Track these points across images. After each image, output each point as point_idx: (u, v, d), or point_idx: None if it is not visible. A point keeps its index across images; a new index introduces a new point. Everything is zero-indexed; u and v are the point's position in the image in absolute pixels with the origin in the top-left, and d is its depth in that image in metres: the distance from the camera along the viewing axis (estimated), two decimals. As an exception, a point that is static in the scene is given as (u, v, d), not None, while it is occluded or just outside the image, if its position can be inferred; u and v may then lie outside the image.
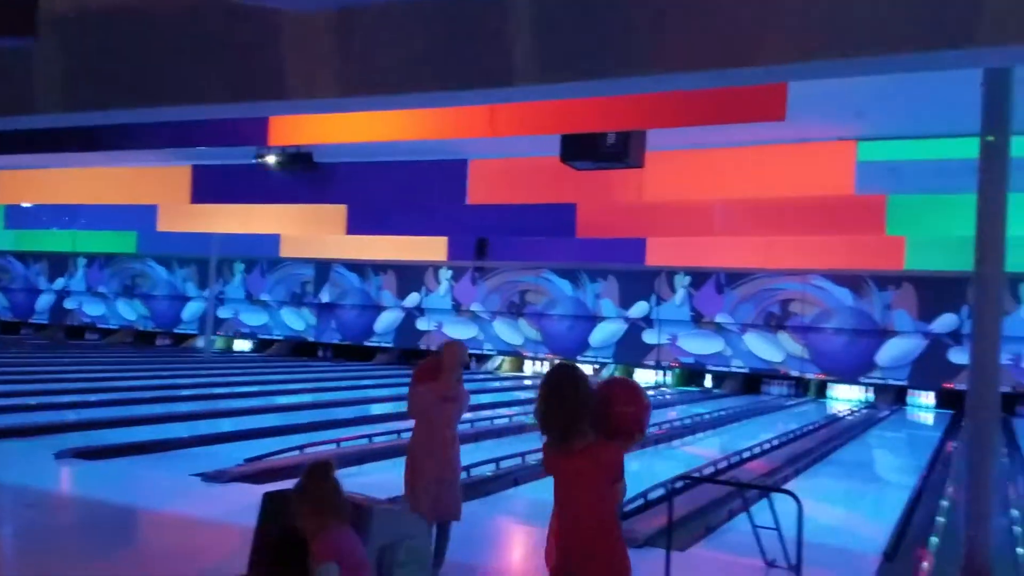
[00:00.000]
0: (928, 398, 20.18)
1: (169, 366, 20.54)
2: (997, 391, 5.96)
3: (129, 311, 29.49)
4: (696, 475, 7.99)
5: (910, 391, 20.36)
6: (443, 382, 5.03)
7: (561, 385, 3.11)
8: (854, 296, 20.54)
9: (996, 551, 5.89)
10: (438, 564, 4.95)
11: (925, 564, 5.97)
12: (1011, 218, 5.87)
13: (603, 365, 23.71)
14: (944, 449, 12.90)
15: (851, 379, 20.76)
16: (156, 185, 12.00)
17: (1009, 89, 5.75)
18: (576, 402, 3.06)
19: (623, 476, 3.14)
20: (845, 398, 20.82)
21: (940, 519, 7.45)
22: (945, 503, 8.10)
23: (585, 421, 3.06)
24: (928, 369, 19.79)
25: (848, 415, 17.88)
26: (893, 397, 20.33)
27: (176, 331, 28.78)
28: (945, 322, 19.66)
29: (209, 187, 11.38)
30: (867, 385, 20.69)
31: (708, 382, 22.20)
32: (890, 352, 20.23)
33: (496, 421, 12.42)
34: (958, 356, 18.86)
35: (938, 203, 10.44)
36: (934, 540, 6.66)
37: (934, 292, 19.49)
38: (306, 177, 10.55)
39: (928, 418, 18.81)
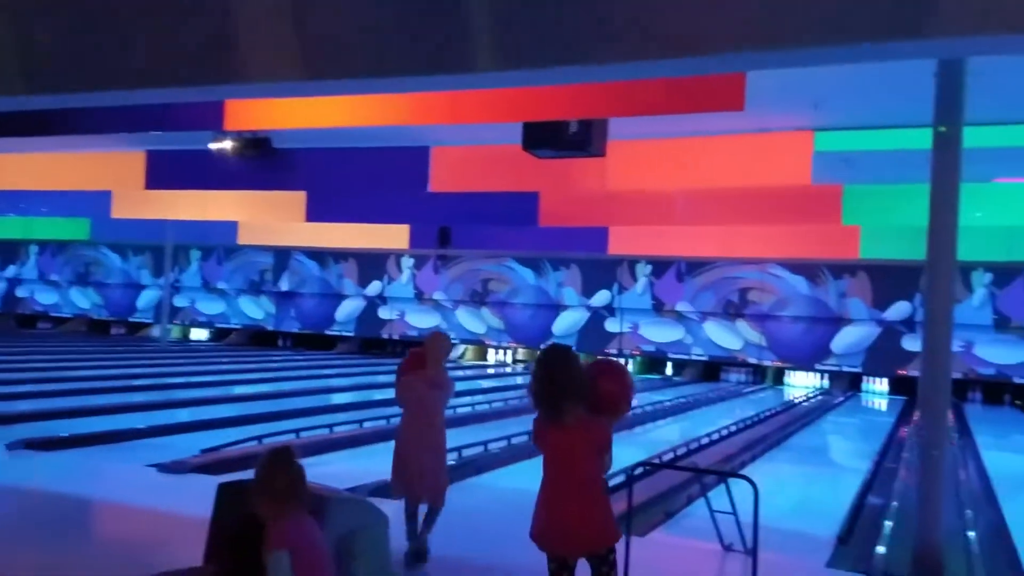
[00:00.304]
0: (882, 384, 20.61)
1: (124, 355, 20.19)
2: (949, 377, 6.09)
3: (83, 299, 28.92)
4: (656, 461, 8.07)
5: (864, 378, 20.78)
6: (430, 370, 5.24)
7: (553, 364, 3.41)
8: (810, 285, 20.87)
9: (947, 534, 6.04)
10: (422, 552, 5.11)
11: (878, 547, 6.10)
12: (963, 207, 6.00)
13: (565, 353, 23.79)
14: (897, 434, 13.19)
15: (807, 366, 21.13)
16: (110, 171, 11.75)
17: (962, 80, 5.86)
18: (566, 380, 3.36)
19: (610, 448, 3.44)
20: (801, 385, 21.18)
21: (893, 503, 7.62)
22: (898, 487, 8.28)
23: (575, 398, 3.35)
24: (882, 356, 20.20)
25: (804, 401, 18.19)
26: (847, 384, 20.74)
27: (131, 320, 28.31)
28: (899, 310, 20.07)
29: (164, 173, 11.17)
30: (822, 372, 21.07)
31: (669, 370, 22.43)
32: (845, 339, 20.61)
33: (459, 410, 12.41)
34: (911, 343, 19.29)
35: (893, 193, 10.64)
36: (887, 524, 6.81)
37: (888, 280, 19.88)
38: (264, 163, 10.39)
39: (882, 404, 19.21)
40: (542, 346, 3.98)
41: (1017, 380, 19.18)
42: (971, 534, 6.68)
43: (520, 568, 5.44)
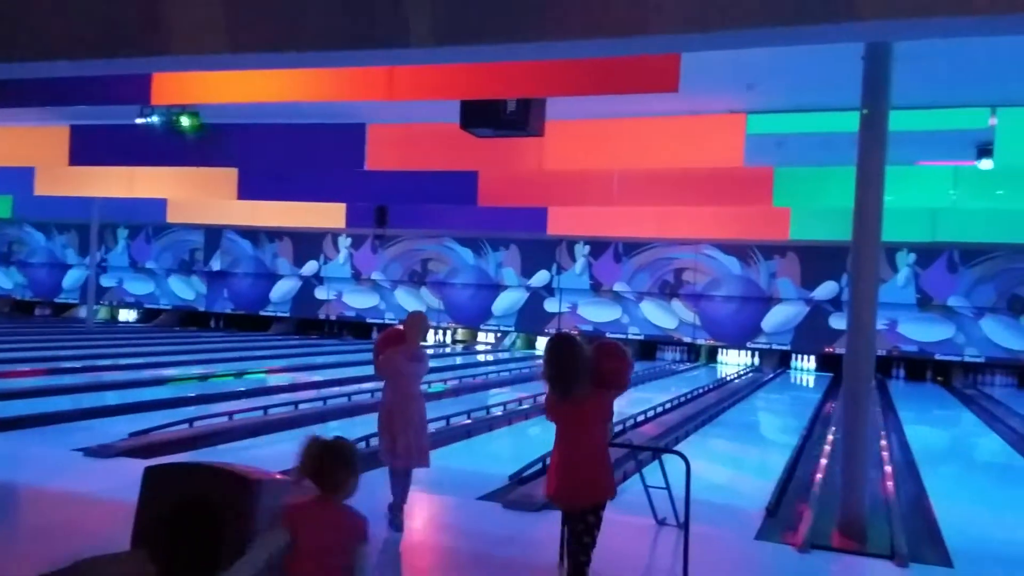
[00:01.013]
0: (809, 362, 21.23)
1: (49, 337, 19.53)
2: (873, 355, 6.30)
3: (5, 279, 27.87)
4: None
5: (793, 355, 21.37)
6: (409, 344, 5.71)
7: (561, 351, 3.98)
8: (741, 265, 21.32)
9: (870, 505, 6.26)
10: (400, 505, 5.56)
11: (804, 518, 6.29)
12: (888, 189, 6.17)
13: (505, 334, 23.88)
14: (824, 410, 13.60)
15: (739, 344, 21.62)
16: (32, 146, 11.30)
17: (888, 63, 6.00)
18: (574, 363, 3.92)
19: (612, 417, 4.16)
20: (733, 362, 21.68)
21: (819, 476, 7.86)
22: (824, 461, 8.55)
23: (582, 377, 3.91)
24: (810, 334, 20.79)
25: (735, 378, 18.62)
26: (777, 361, 21.31)
27: (56, 300, 27.42)
28: (826, 289, 20.65)
29: (89, 148, 10.78)
30: (753, 350, 21.60)
31: (605, 349, 22.69)
32: (775, 318, 21.14)
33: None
34: (838, 322, 19.89)
35: (821, 175, 10.89)
36: (813, 496, 7.02)
37: (816, 261, 20.44)
38: (194, 138, 10.11)
39: (809, 381, 19.78)
40: (550, 335, 4.67)
41: (939, 357, 19.96)
42: (893, 505, 6.94)
43: (456, 546, 5.47)
